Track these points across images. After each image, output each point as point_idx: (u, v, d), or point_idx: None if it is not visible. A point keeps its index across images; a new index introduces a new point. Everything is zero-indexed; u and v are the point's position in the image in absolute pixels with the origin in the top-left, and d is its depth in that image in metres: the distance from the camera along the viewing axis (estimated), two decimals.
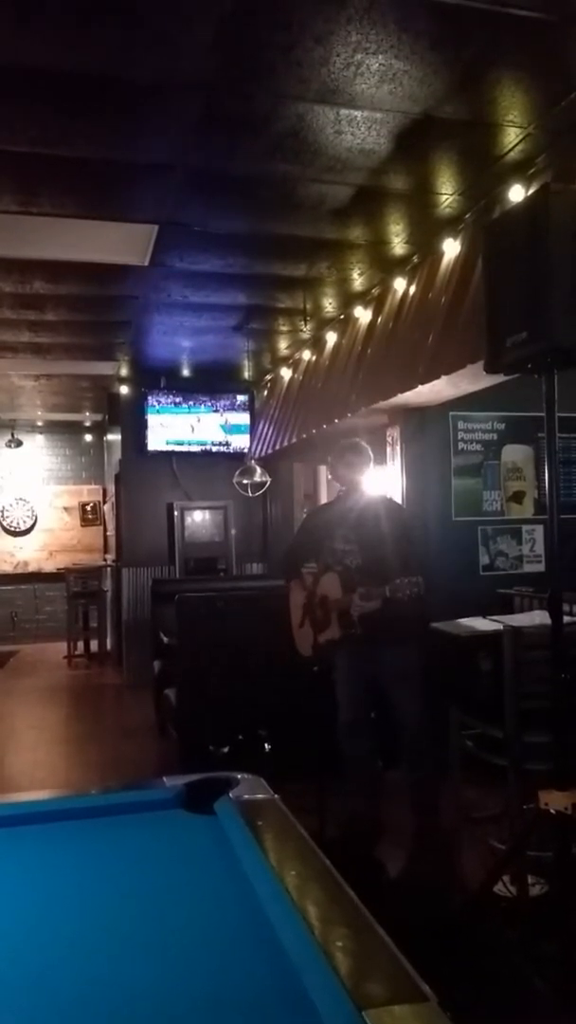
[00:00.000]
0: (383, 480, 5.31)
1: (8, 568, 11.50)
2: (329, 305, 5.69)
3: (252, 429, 8.20)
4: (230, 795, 1.88)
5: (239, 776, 2.01)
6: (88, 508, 11.80)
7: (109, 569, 9.86)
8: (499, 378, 3.47)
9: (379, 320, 5.16)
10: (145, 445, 8.09)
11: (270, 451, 7.32)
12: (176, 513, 8.17)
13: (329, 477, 3.92)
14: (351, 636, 3.65)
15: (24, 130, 3.31)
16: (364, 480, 3.90)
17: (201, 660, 4.86)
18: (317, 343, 6.37)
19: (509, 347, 2.52)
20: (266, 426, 7.61)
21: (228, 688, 4.72)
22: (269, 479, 7.64)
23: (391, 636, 3.65)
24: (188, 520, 8.20)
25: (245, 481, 7.56)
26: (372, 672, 3.74)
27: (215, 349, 7.00)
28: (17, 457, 11.55)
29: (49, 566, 11.43)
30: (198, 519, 8.25)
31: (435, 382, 4.24)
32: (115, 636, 9.27)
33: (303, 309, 5.65)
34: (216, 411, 8.24)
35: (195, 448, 8.22)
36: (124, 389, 8.21)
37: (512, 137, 3.38)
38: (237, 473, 7.64)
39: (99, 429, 11.31)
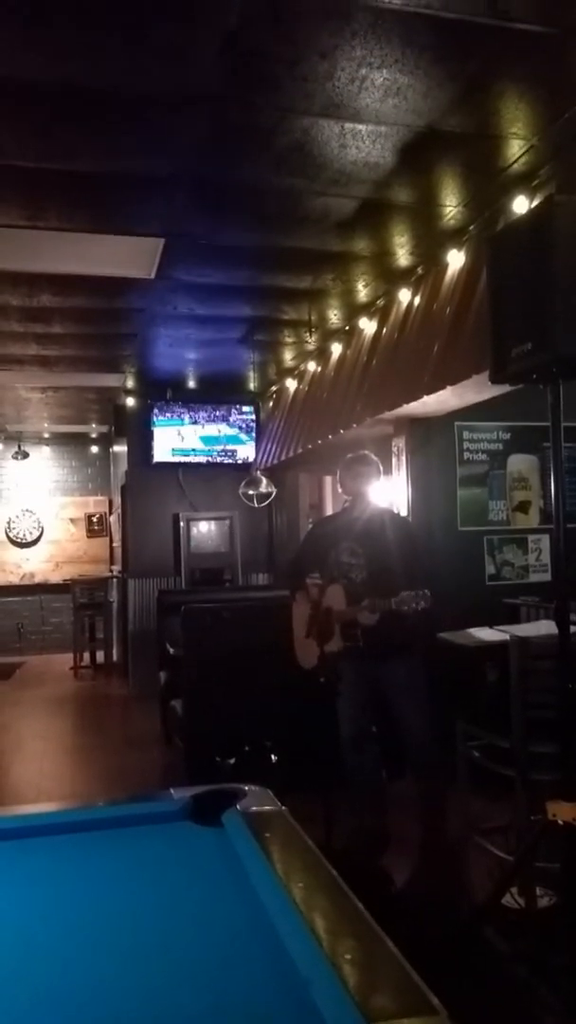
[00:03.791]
0: (389, 490, 5.31)
1: (14, 579, 11.52)
2: (334, 317, 5.71)
3: (257, 440, 8.22)
4: (237, 807, 1.88)
5: (246, 788, 2.00)
6: (94, 519, 11.82)
7: (115, 580, 9.86)
8: (504, 388, 3.48)
9: (384, 331, 5.18)
10: (151, 456, 8.12)
11: (275, 462, 7.33)
12: (182, 524, 8.18)
13: (339, 489, 3.91)
14: (353, 649, 3.64)
15: (31, 144, 3.34)
16: (371, 492, 3.90)
17: (207, 671, 4.86)
18: (322, 354, 6.38)
19: (514, 357, 2.52)
20: (271, 437, 7.63)
21: (234, 699, 4.71)
22: (275, 490, 7.65)
23: (394, 649, 3.64)
24: (194, 531, 8.21)
25: (251, 492, 7.57)
26: (376, 685, 3.73)
27: (221, 361, 7.03)
28: (23, 469, 11.58)
29: (55, 577, 11.44)
30: (204, 530, 8.26)
31: (440, 392, 4.25)
32: (121, 647, 9.27)
33: (308, 321, 5.67)
34: (222, 422, 8.27)
35: (201, 459, 8.24)
36: (130, 401, 8.24)
37: (516, 149, 3.39)
38: (243, 484, 7.64)
39: (105, 440, 11.35)
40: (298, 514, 8.45)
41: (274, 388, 7.90)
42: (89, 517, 11.84)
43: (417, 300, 4.74)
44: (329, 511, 8.42)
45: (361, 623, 3.54)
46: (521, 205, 3.57)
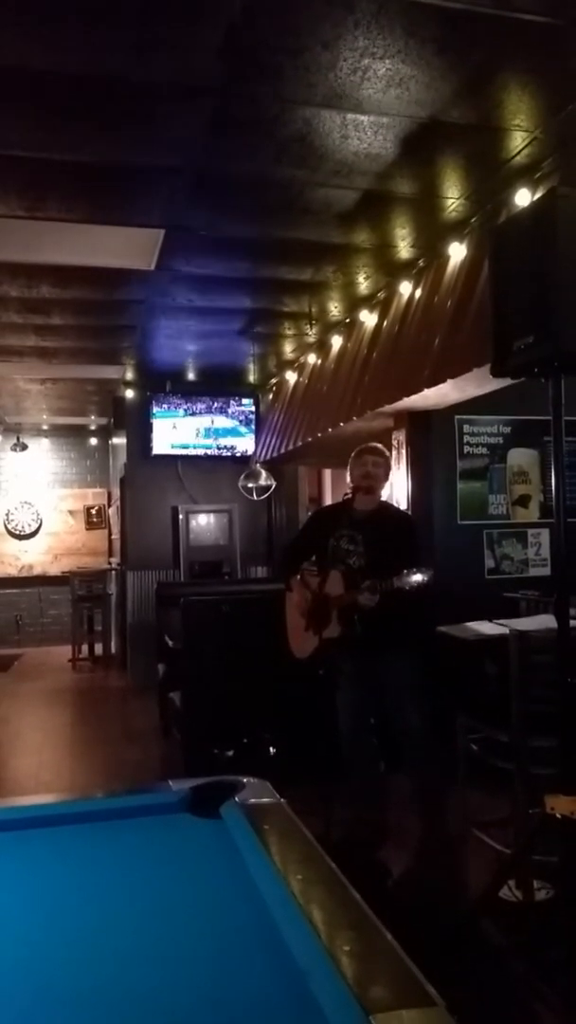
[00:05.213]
0: (389, 484, 5.31)
1: (13, 571, 11.52)
2: (335, 309, 5.70)
3: (257, 433, 8.21)
4: (236, 799, 1.88)
5: (245, 780, 2.00)
6: (93, 511, 11.81)
7: (114, 573, 9.87)
8: (505, 382, 3.48)
9: (385, 324, 5.16)
10: (150, 448, 8.10)
11: (275, 455, 7.33)
12: (181, 516, 8.18)
13: (348, 480, 3.91)
14: (351, 636, 3.64)
15: (31, 135, 3.32)
16: (382, 484, 3.90)
17: (206, 663, 4.86)
18: (322, 347, 6.37)
19: (516, 351, 2.52)
20: (271, 430, 7.62)
21: (233, 691, 4.72)
22: (274, 483, 7.65)
23: (393, 639, 3.64)
24: (193, 523, 8.21)
25: (250, 485, 7.56)
26: (374, 676, 3.73)
27: (220, 353, 7.02)
28: (22, 460, 11.57)
29: (54, 569, 11.44)
30: (203, 522, 8.26)
31: (441, 386, 4.24)
32: (120, 640, 9.28)
33: (308, 313, 5.65)
34: (221, 415, 8.25)
35: (200, 452, 8.22)
36: (129, 393, 8.22)
37: (519, 141, 3.38)
38: (242, 477, 7.64)
39: (104, 433, 11.34)
40: (297, 507, 8.45)
41: (274, 380, 7.89)
42: (88, 509, 11.83)
43: (418, 293, 4.73)
44: (328, 503, 8.41)
45: (361, 604, 3.53)
46: (524, 198, 3.56)
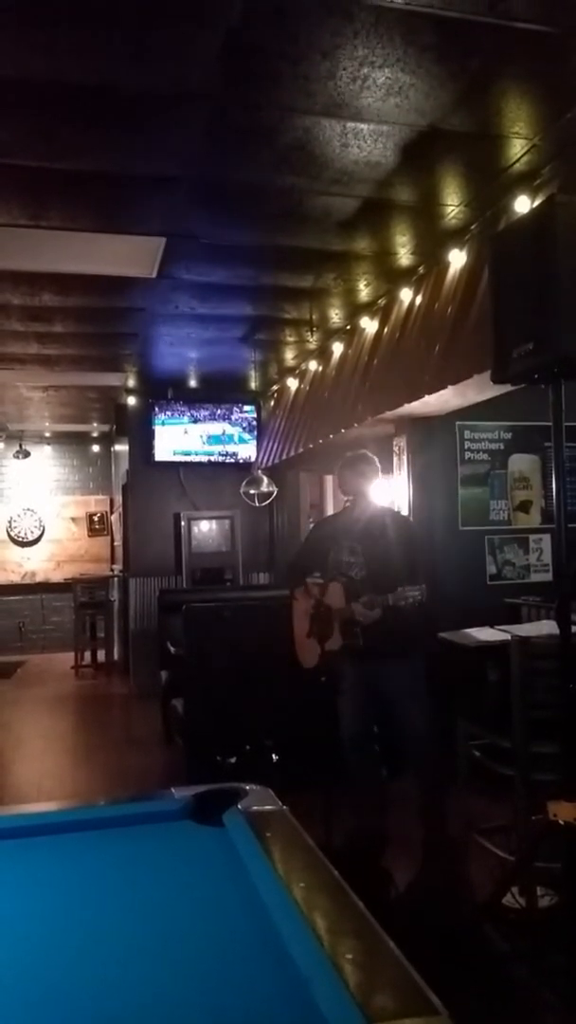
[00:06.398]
0: (390, 490, 5.31)
1: (16, 578, 11.52)
2: (335, 316, 5.71)
3: (259, 439, 8.22)
4: (238, 806, 1.88)
5: (247, 787, 2.00)
6: (95, 518, 11.82)
7: (116, 579, 9.87)
8: (506, 388, 3.48)
9: (385, 330, 5.18)
10: (152, 455, 8.12)
11: (276, 461, 7.33)
12: (183, 523, 8.18)
13: (340, 488, 3.92)
14: (353, 646, 3.64)
15: (33, 144, 3.34)
16: (371, 491, 3.90)
17: (208, 670, 4.86)
18: (323, 353, 6.38)
19: (516, 357, 2.52)
20: (272, 436, 7.63)
21: (235, 698, 4.71)
22: (276, 489, 7.65)
23: (394, 648, 3.64)
24: (195, 530, 8.21)
25: (252, 491, 7.56)
26: (376, 684, 3.73)
27: (222, 360, 7.03)
28: (25, 468, 11.58)
29: (56, 576, 11.44)
30: (205, 529, 8.26)
31: (442, 392, 4.25)
32: (122, 646, 9.28)
33: (309, 320, 5.67)
34: (223, 421, 8.27)
35: (202, 458, 8.24)
36: (131, 400, 8.24)
37: (518, 149, 3.39)
38: (244, 483, 7.64)
39: (106, 440, 11.35)
40: (299, 513, 8.44)
41: (275, 387, 7.90)
42: (90, 516, 11.84)
43: (419, 299, 4.74)
44: (330, 510, 8.41)
45: (360, 620, 3.54)
46: (523, 205, 3.57)
